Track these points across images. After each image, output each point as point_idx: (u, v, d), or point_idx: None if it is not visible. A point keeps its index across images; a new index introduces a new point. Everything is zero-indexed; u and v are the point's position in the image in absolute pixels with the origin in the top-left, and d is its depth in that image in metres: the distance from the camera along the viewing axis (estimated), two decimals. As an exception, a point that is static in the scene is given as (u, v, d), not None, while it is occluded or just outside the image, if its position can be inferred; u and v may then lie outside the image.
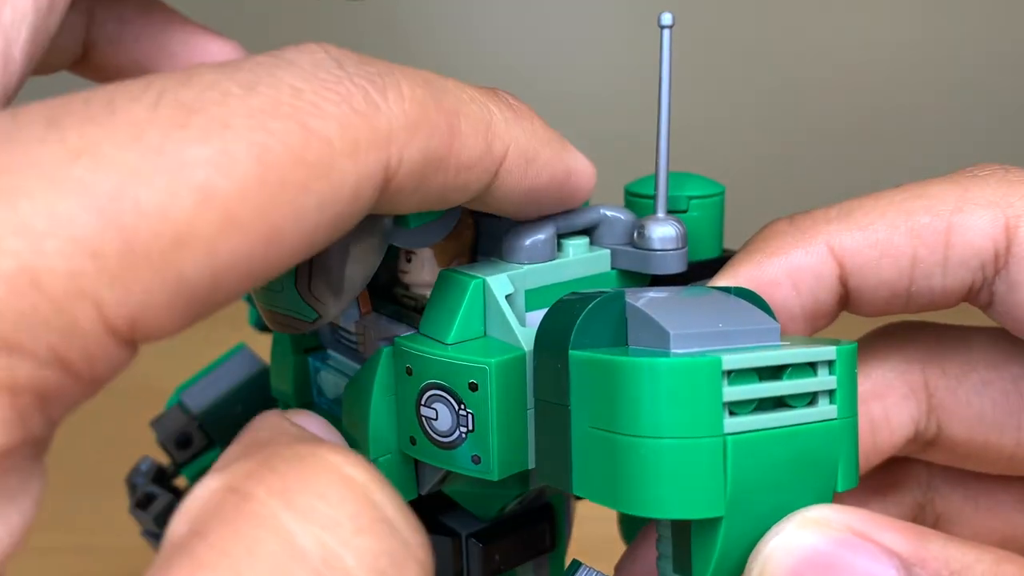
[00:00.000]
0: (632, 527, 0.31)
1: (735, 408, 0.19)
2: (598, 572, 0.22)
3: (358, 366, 0.26)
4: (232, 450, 0.19)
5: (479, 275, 0.23)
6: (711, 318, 0.21)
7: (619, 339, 0.21)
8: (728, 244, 0.29)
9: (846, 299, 0.25)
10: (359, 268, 0.23)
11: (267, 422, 0.21)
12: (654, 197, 0.26)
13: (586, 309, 0.21)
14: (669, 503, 0.19)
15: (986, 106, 0.85)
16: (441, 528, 0.27)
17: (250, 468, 0.17)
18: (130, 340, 0.16)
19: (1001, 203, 0.23)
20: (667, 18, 0.24)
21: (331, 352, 0.27)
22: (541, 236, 0.25)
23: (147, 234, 0.15)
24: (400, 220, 0.23)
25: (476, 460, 0.23)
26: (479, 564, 0.26)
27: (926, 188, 0.24)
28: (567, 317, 0.21)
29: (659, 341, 0.20)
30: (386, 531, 0.17)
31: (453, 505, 0.27)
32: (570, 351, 0.20)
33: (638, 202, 0.28)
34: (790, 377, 0.20)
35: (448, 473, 0.25)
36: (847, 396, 0.20)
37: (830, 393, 0.20)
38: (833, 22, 0.84)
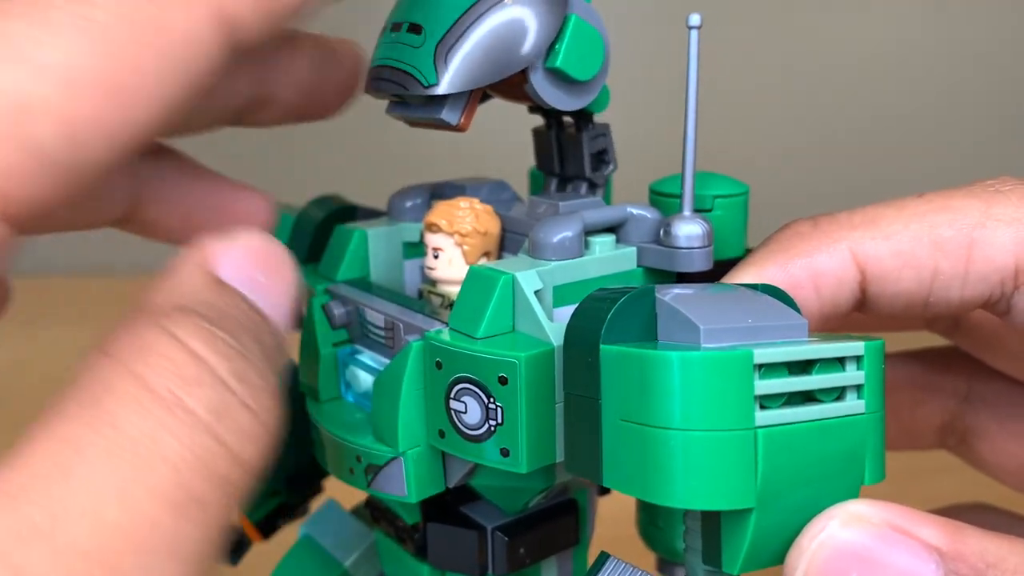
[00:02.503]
0: (653, 530, 0.31)
1: (766, 402, 0.19)
2: (626, 564, 0.22)
3: (387, 361, 0.26)
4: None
5: (508, 271, 0.24)
6: (740, 314, 0.21)
7: (649, 334, 0.21)
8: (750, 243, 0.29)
9: (863, 304, 0.25)
10: (492, 52, 0.24)
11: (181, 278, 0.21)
12: (680, 196, 0.26)
13: (616, 304, 0.21)
14: (700, 494, 0.19)
15: (1005, 107, 0.85)
16: (466, 521, 0.27)
17: (118, 335, 0.19)
18: (6, 215, 0.18)
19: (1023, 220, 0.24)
20: (695, 19, 0.25)
21: (359, 347, 0.28)
22: (569, 233, 0.25)
23: None
24: (549, 57, 0.24)
25: (505, 453, 0.23)
26: (504, 557, 0.27)
27: (949, 200, 0.24)
28: (597, 312, 0.21)
29: (689, 336, 0.20)
30: (217, 384, 0.18)
31: (477, 498, 0.28)
32: (601, 345, 0.21)
33: (663, 200, 0.28)
34: (819, 372, 0.20)
35: (476, 466, 0.25)
36: (874, 391, 0.21)
37: (858, 388, 0.20)
38: (854, 22, 0.84)
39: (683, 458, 0.19)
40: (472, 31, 0.24)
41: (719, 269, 0.28)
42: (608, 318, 0.21)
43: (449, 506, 0.27)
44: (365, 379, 0.27)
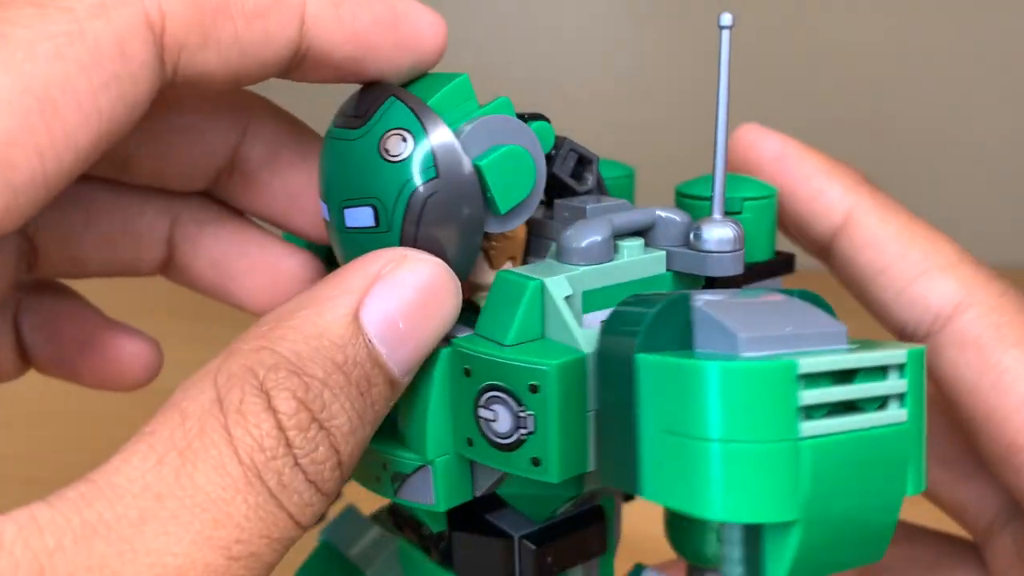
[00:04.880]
0: (681, 535, 0.31)
1: (810, 412, 0.19)
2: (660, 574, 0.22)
3: (412, 367, 0.26)
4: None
5: (537, 277, 0.23)
6: (779, 321, 0.20)
7: (685, 342, 0.21)
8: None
9: (827, 249, 0.29)
10: (460, 264, 0.24)
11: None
12: (711, 198, 0.26)
13: (652, 312, 0.21)
14: (743, 507, 0.19)
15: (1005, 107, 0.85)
16: (493, 529, 0.27)
17: (231, 369, 0.20)
18: None
19: (970, 288, 0.27)
20: (727, 19, 0.24)
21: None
22: (598, 238, 0.24)
23: None
24: (491, 206, 0.24)
25: (535, 462, 0.23)
26: (531, 566, 0.26)
27: (942, 243, 0.28)
28: (632, 321, 0.21)
29: (728, 344, 0.20)
30: (289, 461, 0.20)
31: (503, 505, 0.27)
32: (637, 355, 0.20)
33: (690, 203, 0.28)
34: (862, 380, 0.20)
35: (505, 474, 0.25)
36: (916, 399, 0.20)
37: (900, 397, 0.20)
38: (864, 23, 0.84)
39: (726, 470, 0.19)
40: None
41: (748, 274, 0.27)
42: (644, 327, 0.20)
43: (475, 514, 0.27)
44: (389, 386, 0.27)
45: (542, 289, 0.23)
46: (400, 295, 0.22)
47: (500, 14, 0.86)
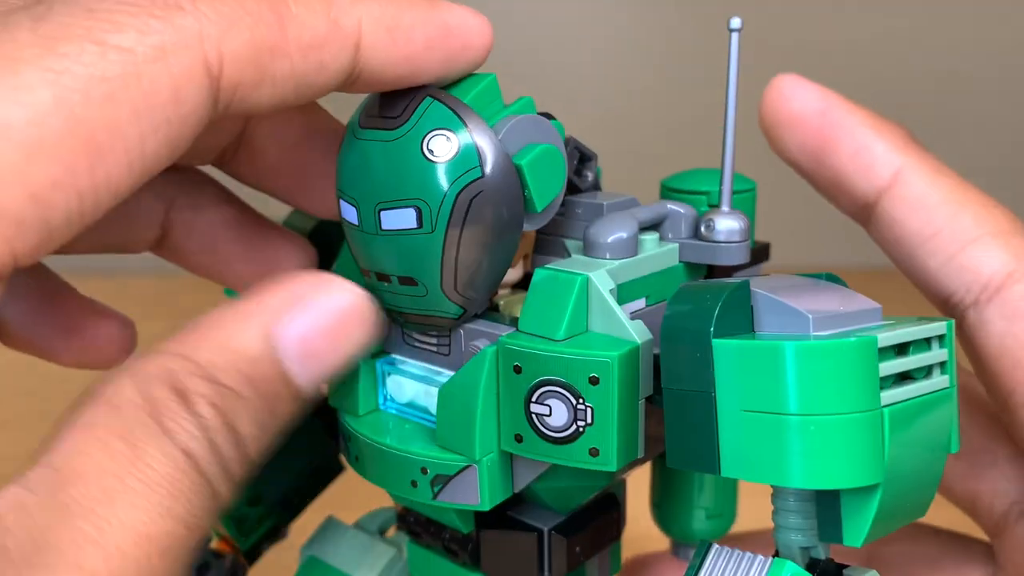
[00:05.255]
0: (668, 515, 0.32)
1: (883, 383, 0.21)
2: (729, 548, 0.23)
3: (440, 368, 0.26)
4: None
5: (582, 272, 0.24)
6: (830, 302, 0.22)
7: (746, 326, 0.22)
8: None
9: (870, 211, 0.27)
10: (501, 262, 0.23)
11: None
12: (708, 192, 0.27)
13: (721, 299, 0.22)
14: (838, 474, 0.20)
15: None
16: (520, 525, 0.27)
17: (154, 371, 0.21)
18: None
19: (1018, 256, 0.25)
20: (736, 22, 0.26)
21: (399, 357, 0.27)
22: (624, 234, 0.25)
23: None
24: (528, 205, 0.24)
25: (594, 453, 0.23)
26: (563, 557, 0.27)
27: (994, 209, 0.26)
28: (699, 308, 0.22)
29: (798, 325, 0.21)
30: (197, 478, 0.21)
31: (522, 502, 0.27)
32: (713, 340, 0.21)
33: (673, 196, 0.29)
34: (914, 352, 0.22)
35: (548, 469, 0.25)
36: (952, 366, 0.22)
37: (941, 364, 0.22)
38: (857, 19, 0.86)
39: (816, 441, 0.20)
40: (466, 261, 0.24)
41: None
42: (716, 313, 0.21)
43: (497, 512, 0.27)
44: (412, 388, 0.26)
45: (587, 283, 0.24)
46: (316, 319, 0.22)
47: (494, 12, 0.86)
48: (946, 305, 0.26)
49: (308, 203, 0.28)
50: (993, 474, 0.28)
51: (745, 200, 0.29)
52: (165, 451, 0.20)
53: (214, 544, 0.33)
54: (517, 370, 0.24)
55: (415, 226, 0.23)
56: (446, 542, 0.28)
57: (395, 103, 0.24)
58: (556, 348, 0.23)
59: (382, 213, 0.24)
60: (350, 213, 0.24)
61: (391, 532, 0.32)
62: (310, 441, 0.32)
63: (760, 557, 0.22)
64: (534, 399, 0.23)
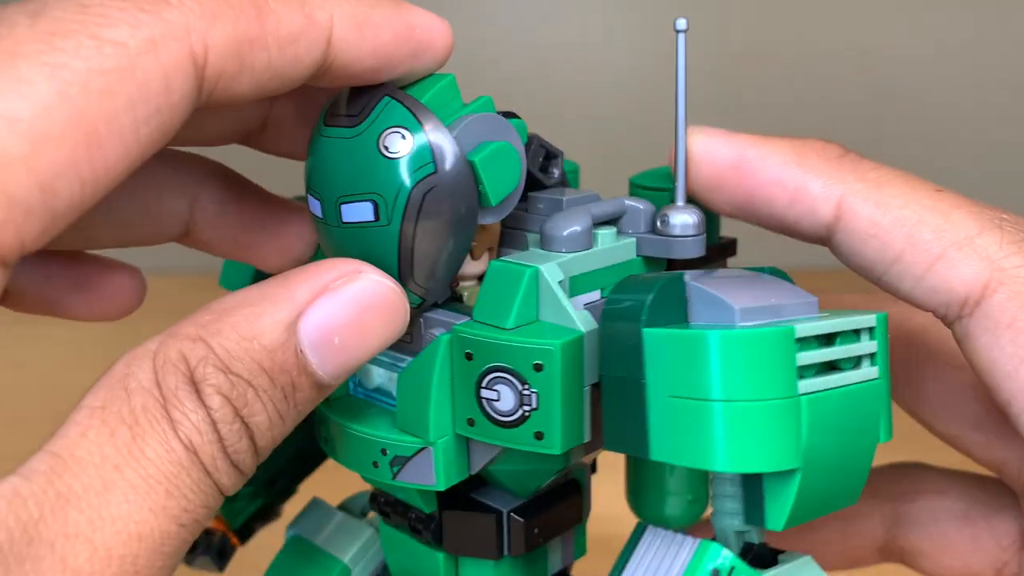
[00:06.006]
0: (641, 500, 0.33)
1: (804, 372, 0.21)
2: (665, 530, 0.24)
3: (404, 356, 0.27)
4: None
5: (532, 264, 0.25)
6: (763, 294, 0.23)
7: (680, 317, 0.23)
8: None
9: (828, 242, 0.26)
10: (457, 254, 0.25)
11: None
12: (666, 189, 0.28)
13: (654, 290, 0.23)
14: (757, 458, 0.21)
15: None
16: (481, 507, 0.28)
17: (170, 358, 0.22)
18: None
19: (996, 262, 0.24)
20: (682, 23, 0.26)
21: (367, 344, 0.28)
22: (579, 227, 0.26)
23: None
24: (483, 199, 0.25)
25: (539, 436, 0.24)
26: (521, 538, 0.28)
27: (953, 209, 0.25)
28: (633, 299, 0.23)
29: (725, 316, 0.22)
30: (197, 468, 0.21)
31: (485, 484, 0.29)
32: (643, 329, 0.22)
33: (643, 193, 0.30)
34: (841, 342, 0.22)
35: (500, 452, 0.26)
36: (883, 358, 0.23)
37: (871, 356, 0.23)
38: (843, 21, 0.86)
39: (737, 426, 0.21)
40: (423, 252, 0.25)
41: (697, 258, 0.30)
42: (648, 303, 0.22)
43: (462, 494, 0.28)
44: (379, 374, 0.28)
45: (538, 275, 0.25)
46: (342, 311, 0.23)
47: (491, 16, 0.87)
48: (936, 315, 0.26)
49: None
50: (1014, 441, 0.27)
51: (708, 196, 0.30)
52: (168, 445, 0.20)
53: None
54: (469, 357, 0.25)
55: (372, 219, 0.25)
56: (412, 521, 0.29)
57: (356, 102, 0.25)
58: (504, 336, 0.24)
59: (343, 207, 0.25)
60: (315, 207, 0.26)
61: (373, 513, 0.33)
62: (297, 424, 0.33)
63: (691, 539, 0.23)
64: (484, 385, 0.25)
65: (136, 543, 0.20)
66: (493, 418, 0.25)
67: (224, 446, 0.21)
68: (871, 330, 0.23)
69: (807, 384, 0.21)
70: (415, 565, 0.29)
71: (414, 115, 0.24)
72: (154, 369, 0.21)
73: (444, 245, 0.25)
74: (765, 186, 0.26)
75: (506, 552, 0.28)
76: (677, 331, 0.22)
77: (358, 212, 0.25)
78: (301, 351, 0.22)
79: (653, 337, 0.22)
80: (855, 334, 0.23)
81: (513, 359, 0.24)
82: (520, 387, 0.24)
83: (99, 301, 0.28)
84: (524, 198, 0.29)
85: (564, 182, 0.30)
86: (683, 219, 0.27)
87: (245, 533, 0.35)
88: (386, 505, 0.29)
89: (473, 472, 0.27)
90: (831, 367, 0.22)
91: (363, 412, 0.27)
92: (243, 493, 0.34)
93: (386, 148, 0.24)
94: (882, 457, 0.27)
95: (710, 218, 0.30)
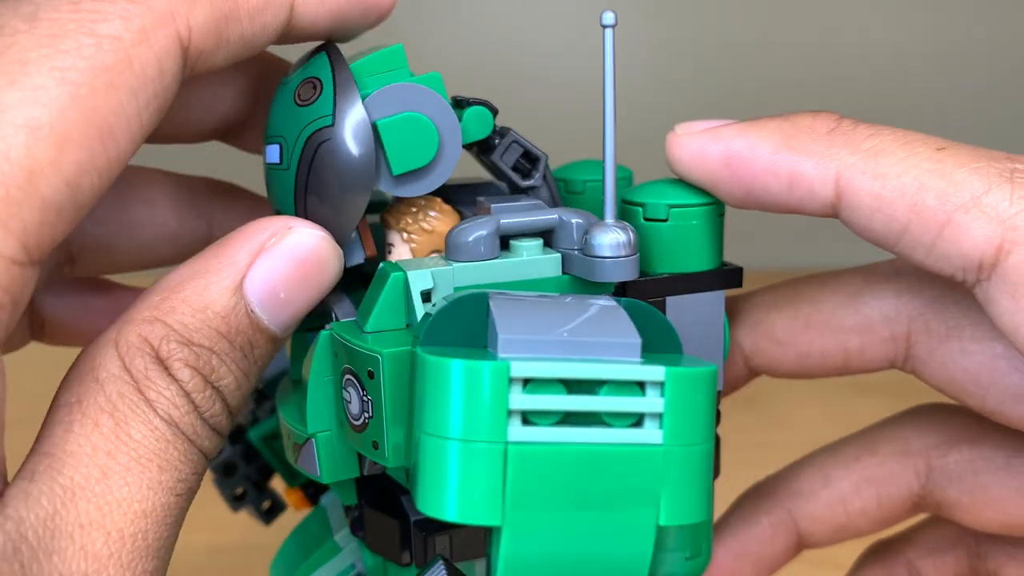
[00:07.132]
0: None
1: (534, 417, 0.18)
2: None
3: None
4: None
5: (404, 269, 0.24)
6: (560, 326, 0.20)
7: (479, 340, 0.21)
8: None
9: (835, 214, 0.25)
10: (346, 218, 0.25)
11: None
12: (603, 202, 0.25)
13: (440, 307, 0.21)
14: (450, 505, 0.19)
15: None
16: (397, 510, 0.28)
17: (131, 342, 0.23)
18: (28, 261, 0.20)
19: (1007, 220, 0.22)
20: (609, 17, 0.24)
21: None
22: (472, 237, 0.25)
23: (3, 179, 0.19)
24: (386, 166, 0.25)
25: (375, 445, 0.24)
26: (421, 550, 0.27)
27: (956, 168, 0.23)
28: (429, 317, 0.21)
29: (493, 343, 0.20)
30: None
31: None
32: (417, 348, 0.21)
33: (630, 209, 0.27)
34: (608, 393, 0.19)
35: (377, 456, 0.26)
36: (684, 422, 0.19)
37: (658, 416, 0.19)
38: (826, 21, 0.84)
39: (437, 466, 0.19)
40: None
41: (669, 283, 0.26)
42: (431, 321, 0.21)
43: (391, 494, 0.28)
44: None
45: (403, 280, 0.24)
46: (282, 267, 0.24)
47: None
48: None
49: None
50: None
51: (695, 215, 0.26)
52: (151, 424, 0.22)
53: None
54: (335, 355, 0.25)
55: (278, 161, 0.26)
56: (350, 510, 0.29)
57: (308, 55, 0.26)
58: (357, 339, 0.24)
59: (266, 147, 0.26)
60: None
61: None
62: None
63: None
64: (343, 385, 0.25)
65: (143, 520, 0.21)
66: (350, 421, 0.25)
67: (201, 413, 0.23)
68: (661, 385, 0.19)
69: (526, 432, 0.18)
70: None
71: (332, 68, 0.25)
72: (119, 356, 0.22)
73: (334, 200, 0.25)
74: (760, 176, 0.25)
75: (411, 559, 0.27)
76: (416, 350, 0.20)
77: (271, 153, 0.26)
78: (251, 311, 0.23)
79: (416, 356, 0.20)
80: (638, 387, 0.19)
81: (356, 363, 0.24)
82: (361, 392, 0.24)
83: None
84: (474, 201, 0.28)
85: (550, 187, 0.28)
86: (605, 239, 0.24)
87: (315, 496, 0.38)
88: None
89: (366, 473, 0.27)
90: (602, 421, 0.19)
91: (291, 397, 0.29)
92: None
93: (298, 96, 0.25)
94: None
95: (695, 240, 0.26)
